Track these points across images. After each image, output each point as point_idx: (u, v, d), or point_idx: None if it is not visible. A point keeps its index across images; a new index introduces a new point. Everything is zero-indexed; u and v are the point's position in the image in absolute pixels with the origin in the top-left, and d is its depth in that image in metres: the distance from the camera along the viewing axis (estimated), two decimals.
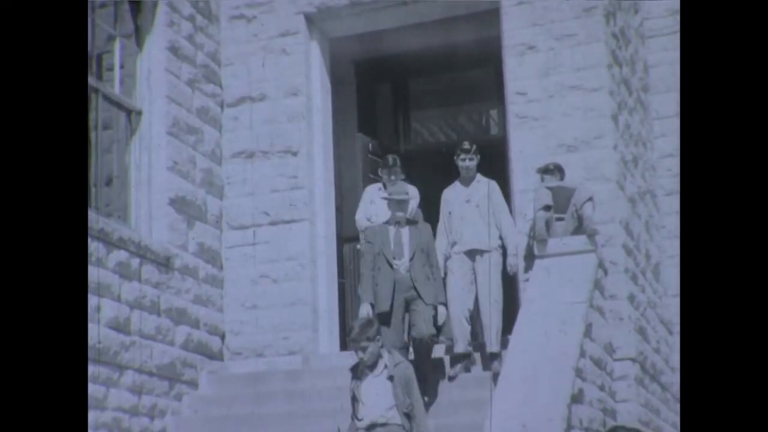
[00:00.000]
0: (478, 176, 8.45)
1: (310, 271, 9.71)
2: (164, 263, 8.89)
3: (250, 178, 9.98)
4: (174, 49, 9.47)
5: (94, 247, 7.94)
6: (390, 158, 9.02)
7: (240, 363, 9.57)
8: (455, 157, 8.51)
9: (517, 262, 8.54)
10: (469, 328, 8.26)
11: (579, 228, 8.47)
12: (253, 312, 9.71)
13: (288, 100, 10.03)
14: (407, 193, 8.08)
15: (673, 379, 10.43)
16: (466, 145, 8.49)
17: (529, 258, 8.77)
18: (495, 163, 10.11)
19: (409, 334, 7.89)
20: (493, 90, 11.14)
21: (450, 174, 9.10)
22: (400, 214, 7.98)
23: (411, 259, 7.83)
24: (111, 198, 9.02)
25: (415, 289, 7.75)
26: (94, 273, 7.91)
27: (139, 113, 9.24)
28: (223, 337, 9.70)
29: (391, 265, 7.81)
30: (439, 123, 12.79)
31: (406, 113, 12.16)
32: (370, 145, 10.59)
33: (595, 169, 8.94)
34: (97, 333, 7.83)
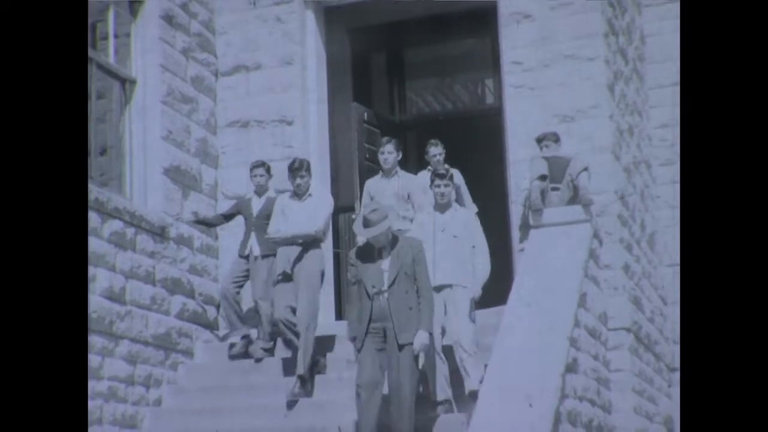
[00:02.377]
0: (455, 204, 7.68)
1: None
2: (159, 233, 8.88)
3: (245, 147, 9.96)
4: (168, 18, 9.41)
5: (89, 216, 7.92)
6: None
7: (236, 333, 9.58)
8: (430, 184, 7.60)
9: (479, 291, 7.44)
10: (445, 366, 7.28)
11: (574, 198, 8.47)
12: (248, 282, 9.69)
13: (283, 69, 9.99)
14: (386, 216, 6.81)
15: (667, 348, 10.47)
16: (441, 170, 7.61)
17: (524, 228, 8.78)
18: (490, 133, 10.10)
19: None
20: (489, 59, 11.09)
21: (445, 145, 9.08)
22: (382, 246, 6.89)
23: (391, 285, 6.75)
24: (106, 167, 8.99)
25: (393, 323, 6.69)
26: (89, 243, 7.90)
27: (134, 82, 9.19)
28: (218, 306, 9.70)
29: (369, 295, 6.78)
30: (435, 93, 12.75)
31: (402, 83, 12.12)
32: (365, 114, 10.55)
33: (590, 139, 8.93)
34: (92, 303, 7.83)
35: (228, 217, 9.18)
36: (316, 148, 9.99)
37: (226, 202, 9.86)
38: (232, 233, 9.73)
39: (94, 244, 7.94)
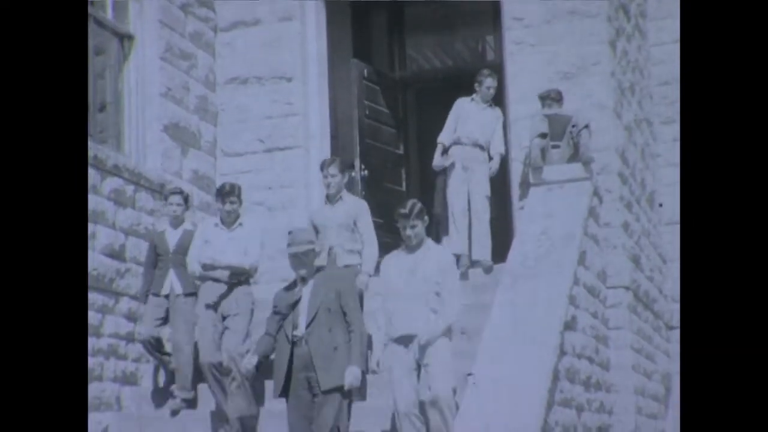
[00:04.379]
0: (428, 242, 6.38)
1: (305, 198, 9.69)
2: (159, 190, 8.86)
3: (244, 104, 9.91)
4: None
5: (88, 174, 7.90)
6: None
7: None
8: (395, 222, 6.43)
9: (435, 334, 6.18)
10: (423, 427, 6.18)
11: (575, 156, 8.45)
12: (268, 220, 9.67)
13: (282, 25, 9.91)
14: (311, 241, 6.17)
15: (665, 307, 10.50)
16: (405, 209, 6.25)
17: (524, 186, 8.77)
18: None
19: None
20: (490, 15, 10.99)
21: (447, 105, 9.04)
22: (302, 271, 6.11)
23: (309, 324, 5.93)
24: (104, 124, 8.95)
25: (314, 367, 5.88)
26: (89, 200, 7.88)
27: (132, 38, 9.12)
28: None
29: (287, 338, 5.98)
30: (435, 49, 12.65)
31: (402, 39, 12.02)
32: (365, 71, 10.49)
33: (591, 96, 8.89)
34: (92, 260, 7.83)
35: (155, 263, 7.89)
36: (315, 105, 9.94)
37: (225, 159, 9.83)
38: None
39: (93, 201, 7.93)
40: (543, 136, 8.44)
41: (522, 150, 8.93)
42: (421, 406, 6.09)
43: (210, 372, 7.20)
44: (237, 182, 7.79)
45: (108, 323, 7.99)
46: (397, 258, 6.32)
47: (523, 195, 8.78)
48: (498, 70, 9.44)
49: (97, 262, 7.90)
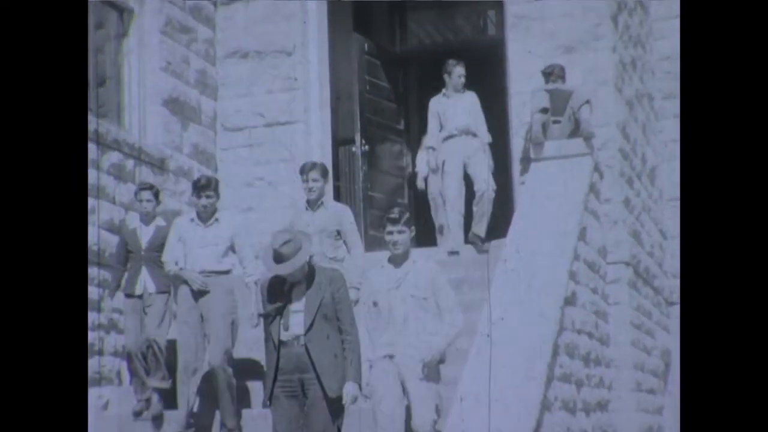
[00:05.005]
0: (414, 254, 5.95)
1: None
2: (159, 165, 8.85)
3: (244, 78, 9.88)
4: None
5: (88, 148, 7.88)
6: None
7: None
8: (384, 229, 5.97)
9: (436, 355, 5.77)
10: None
11: (576, 131, 8.42)
12: (247, 214, 9.70)
13: None
14: (299, 248, 5.58)
15: (665, 283, 10.50)
16: (394, 213, 5.90)
17: (525, 161, 8.75)
18: (492, 65, 10.00)
19: None
20: None
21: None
22: (292, 276, 5.65)
23: (308, 330, 5.55)
24: (104, 99, 8.92)
25: (316, 372, 5.51)
26: (89, 175, 7.87)
27: (132, 12, 9.08)
28: None
29: (274, 338, 5.59)
30: (436, 23, 12.58)
31: (403, 13, 11.96)
32: (366, 45, 10.45)
33: (593, 72, 8.85)
34: (92, 235, 7.83)
35: (124, 259, 7.55)
36: (315, 80, 9.90)
37: (226, 134, 9.81)
38: (231, 166, 9.72)
39: (93, 176, 7.92)
40: (544, 111, 8.41)
41: (523, 125, 8.91)
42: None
43: (190, 377, 6.92)
44: (214, 176, 7.51)
45: (108, 298, 8.00)
46: (382, 272, 5.90)
47: (524, 170, 8.77)
48: (499, 44, 9.40)
49: (97, 236, 7.89)
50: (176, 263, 7.03)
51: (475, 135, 8.84)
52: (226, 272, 7.04)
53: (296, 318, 5.56)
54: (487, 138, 8.90)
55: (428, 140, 8.97)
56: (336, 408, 5.47)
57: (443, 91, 8.98)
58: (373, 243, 10.10)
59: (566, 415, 6.59)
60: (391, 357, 5.71)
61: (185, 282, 7.00)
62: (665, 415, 9.86)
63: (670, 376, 10.27)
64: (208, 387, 7.06)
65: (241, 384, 7.09)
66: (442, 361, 5.74)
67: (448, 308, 5.77)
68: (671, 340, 10.33)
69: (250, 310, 6.90)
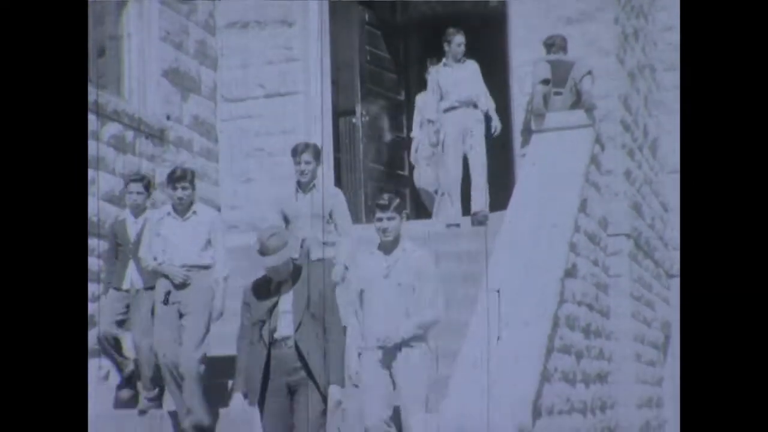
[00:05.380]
0: (404, 242, 5.76)
1: None
2: (159, 136, 8.83)
3: (244, 49, 9.83)
4: None
5: (88, 119, 7.86)
6: None
7: (236, 236, 9.60)
8: (373, 215, 5.87)
9: (409, 330, 5.60)
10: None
11: (577, 102, 8.39)
12: (248, 185, 9.70)
13: None
14: (286, 243, 5.57)
15: (666, 255, 10.50)
16: (383, 199, 5.76)
17: (526, 133, 8.73)
18: (493, 36, 9.95)
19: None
20: None
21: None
22: (276, 274, 5.60)
23: (297, 329, 5.50)
24: (104, 69, 8.89)
25: (308, 370, 5.47)
26: (88, 146, 7.86)
27: None
28: (218, 210, 9.71)
29: (263, 340, 5.52)
30: None
31: None
32: (367, 16, 10.39)
33: (594, 42, 8.81)
34: (92, 206, 7.82)
35: (116, 253, 7.37)
36: (316, 50, 9.86)
37: (226, 105, 9.78)
38: (231, 137, 9.69)
39: (93, 147, 7.89)
40: (546, 82, 8.38)
41: (524, 96, 8.87)
42: (395, 411, 5.63)
43: (169, 373, 6.66)
44: (189, 167, 7.19)
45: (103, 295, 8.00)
46: (371, 258, 5.75)
47: (525, 142, 8.75)
48: (501, 14, 9.34)
49: (97, 208, 7.88)
50: (155, 258, 6.76)
51: (475, 106, 8.79)
52: (207, 267, 6.79)
53: (285, 318, 5.50)
54: (488, 106, 8.82)
55: (427, 112, 8.92)
56: (324, 406, 5.45)
57: (443, 60, 8.93)
58: (372, 214, 10.09)
59: (566, 386, 6.61)
60: (379, 347, 5.54)
61: (165, 277, 6.73)
62: (665, 386, 9.90)
63: (670, 348, 10.29)
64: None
65: (213, 382, 6.90)
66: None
67: (431, 300, 5.58)
68: (671, 313, 10.35)
69: (217, 304, 6.72)
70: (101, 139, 8.03)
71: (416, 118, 9.47)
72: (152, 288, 6.92)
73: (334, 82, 10.15)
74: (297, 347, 5.46)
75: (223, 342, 6.91)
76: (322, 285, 5.59)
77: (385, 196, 5.78)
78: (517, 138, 9.01)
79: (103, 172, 8.00)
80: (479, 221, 8.60)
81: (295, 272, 5.60)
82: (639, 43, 9.95)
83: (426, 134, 9.03)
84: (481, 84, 8.87)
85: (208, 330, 6.71)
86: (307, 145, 6.95)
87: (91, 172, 7.82)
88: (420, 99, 9.45)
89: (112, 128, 8.18)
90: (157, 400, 7.08)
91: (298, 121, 9.65)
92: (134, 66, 8.98)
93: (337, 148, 10.10)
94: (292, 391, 5.49)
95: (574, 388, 6.83)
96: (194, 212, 6.83)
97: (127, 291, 7.22)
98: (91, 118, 7.88)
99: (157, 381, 6.94)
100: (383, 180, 9.91)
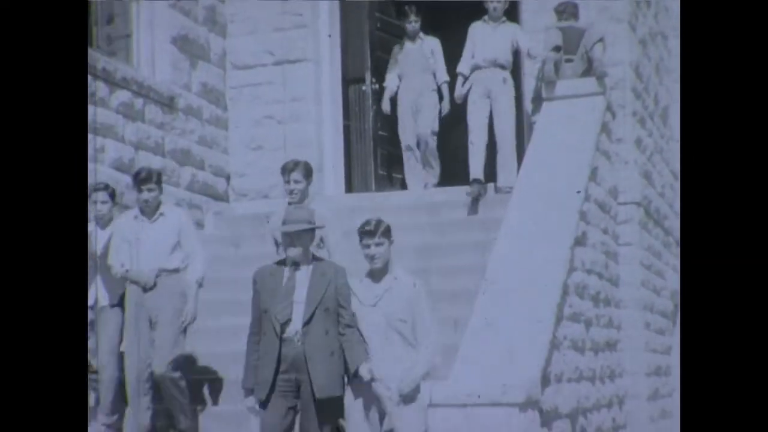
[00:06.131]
0: (395, 271, 5.34)
1: (315, 112, 9.64)
2: (168, 103, 8.81)
3: (253, 16, 9.79)
4: None
5: (96, 86, 7.85)
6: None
7: (245, 204, 9.62)
8: (360, 240, 5.33)
9: (409, 384, 5.16)
10: None
11: (588, 70, 8.34)
12: (257, 153, 9.69)
13: None
14: (310, 221, 5.34)
15: (676, 223, 10.48)
16: (370, 225, 5.29)
17: (537, 101, 8.68)
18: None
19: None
20: None
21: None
22: (294, 250, 5.29)
23: (307, 323, 5.22)
24: (113, 37, 8.86)
25: (308, 374, 5.18)
26: (98, 113, 7.85)
27: None
28: (228, 178, 9.71)
29: (276, 332, 5.22)
30: None
31: None
32: None
33: (606, 9, 8.73)
34: (101, 174, 7.81)
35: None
36: (326, 18, 9.81)
37: (235, 72, 9.74)
38: (241, 104, 9.67)
39: (102, 114, 7.89)
40: (557, 49, 8.32)
41: (535, 64, 8.82)
42: None
43: (136, 383, 6.38)
44: (156, 168, 6.83)
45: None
46: (359, 287, 5.33)
47: (536, 110, 8.70)
48: None
49: (106, 176, 7.88)
50: (122, 265, 6.46)
51: (503, 67, 8.75)
52: (176, 270, 6.48)
53: (298, 310, 5.22)
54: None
55: (460, 66, 8.88)
56: (325, 411, 5.19)
57: (484, 17, 8.87)
58: (382, 182, 10.10)
59: (575, 354, 6.62)
60: (367, 380, 5.15)
61: (134, 283, 6.44)
62: (673, 355, 9.90)
63: (679, 317, 10.29)
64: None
65: (194, 382, 6.75)
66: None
67: (425, 330, 5.20)
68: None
69: (187, 308, 6.42)
70: (110, 106, 8.01)
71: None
72: (118, 305, 6.57)
73: (344, 50, 10.10)
74: (303, 344, 5.18)
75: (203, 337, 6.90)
76: (339, 280, 5.28)
77: (372, 220, 5.30)
78: (528, 106, 8.97)
79: (111, 139, 7.99)
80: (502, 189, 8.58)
81: (314, 266, 5.31)
82: (651, 9, 9.87)
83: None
84: (523, 41, 8.76)
85: (182, 335, 6.43)
86: (296, 164, 6.45)
87: (99, 140, 7.81)
88: (399, 52, 9.38)
89: (120, 96, 8.16)
90: (116, 427, 6.63)
91: (308, 88, 9.62)
92: (143, 33, 8.94)
93: (346, 115, 10.07)
94: (300, 388, 5.21)
95: (583, 356, 6.84)
96: (161, 214, 6.52)
97: (91, 308, 6.72)
98: (100, 85, 7.87)
99: (118, 406, 6.57)
100: (393, 147, 9.87)
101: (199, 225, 9.16)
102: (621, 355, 8.13)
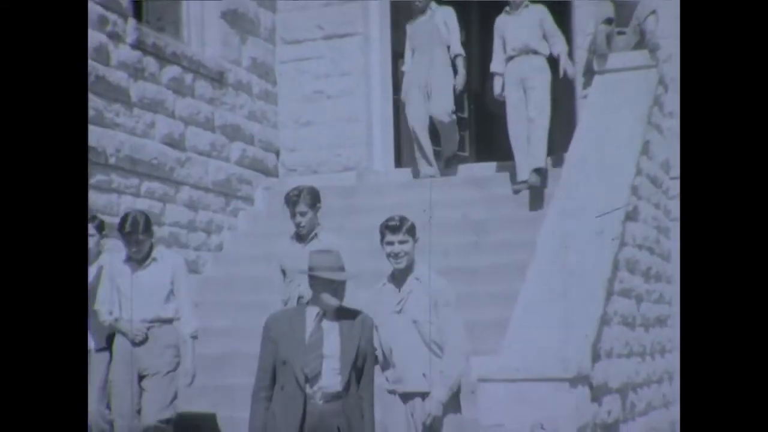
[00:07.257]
0: (418, 270, 4.97)
1: (365, 86, 9.62)
2: (217, 78, 8.84)
3: None
4: None
5: (146, 62, 7.90)
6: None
7: (295, 179, 9.62)
8: (380, 240, 4.99)
9: (441, 399, 4.83)
10: None
11: (641, 42, 8.23)
12: (307, 128, 9.70)
13: None
14: (342, 268, 4.78)
15: None
16: (394, 220, 4.95)
17: (588, 74, 8.57)
18: None
19: None
20: None
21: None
22: (334, 300, 4.70)
23: (346, 388, 4.65)
24: (162, 12, 8.90)
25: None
26: (147, 88, 7.90)
27: None
28: (277, 153, 9.74)
29: (301, 387, 4.56)
30: None
31: None
32: None
33: None
34: (152, 149, 7.88)
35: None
36: None
37: (284, 47, 9.75)
38: (290, 79, 9.68)
39: (152, 90, 7.95)
40: (608, 22, 8.22)
41: (586, 37, 8.70)
42: None
43: None
44: (144, 212, 6.15)
45: (169, 212, 8.09)
46: (382, 294, 4.99)
47: (587, 83, 8.59)
48: None
49: (157, 151, 7.95)
50: (111, 313, 5.93)
51: (535, 52, 8.57)
52: (169, 321, 5.98)
53: (328, 364, 4.61)
54: (557, 50, 8.53)
55: (492, 65, 8.74)
56: None
57: (506, 8, 8.74)
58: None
59: (625, 329, 6.56)
60: (398, 394, 4.89)
61: (122, 333, 5.93)
62: None
63: None
64: None
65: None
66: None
67: (452, 334, 4.87)
68: None
69: (186, 367, 5.98)
70: (160, 81, 8.06)
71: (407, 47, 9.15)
72: (106, 349, 6.06)
73: (394, 24, 10.05)
74: (343, 405, 4.60)
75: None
76: (365, 333, 4.77)
77: (396, 216, 4.96)
78: (579, 79, 8.86)
79: (161, 115, 8.04)
80: (530, 187, 8.31)
81: (342, 312, 4.73)
82: None
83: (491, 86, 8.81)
84: (549, 27, 8.58)
85: (175, 393, 5.95)
86: (299, 193, 5.97)
87: (150, 115, 7.87)
88: (409, 27, 9.14)
89: (171, 71, 8.20)
90: None
91: (358, 62, 9.60)
92: (192, 8, 8.97)
93: (395, 90, 10.04)
94: None
95: (633, 332, 6.78)
96: (154, 259, 5.96)
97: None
98: (150, 60, 7.92)
99: None
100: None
101: (249, 200, 9.21)
102: (672, 330, 8.04)
